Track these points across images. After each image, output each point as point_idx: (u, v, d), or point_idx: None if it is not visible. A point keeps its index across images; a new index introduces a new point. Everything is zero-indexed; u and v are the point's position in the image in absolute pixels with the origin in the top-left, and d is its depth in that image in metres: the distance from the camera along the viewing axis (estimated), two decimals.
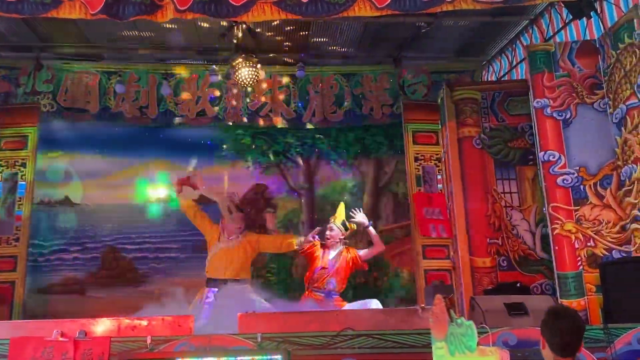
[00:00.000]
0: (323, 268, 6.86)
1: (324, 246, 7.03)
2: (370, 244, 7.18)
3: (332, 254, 6.95)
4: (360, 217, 7.07)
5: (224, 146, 9.34)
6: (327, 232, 7.06)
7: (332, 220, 7.13)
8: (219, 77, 8.57)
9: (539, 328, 2.99)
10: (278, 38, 8.36)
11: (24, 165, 7.90)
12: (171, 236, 8.89)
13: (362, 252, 7.03)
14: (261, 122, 9.19)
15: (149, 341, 4.19)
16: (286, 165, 9.44)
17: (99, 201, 8.92)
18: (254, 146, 9.36)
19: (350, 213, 7.10)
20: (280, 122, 9.18)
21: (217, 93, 9.05)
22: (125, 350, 4.17)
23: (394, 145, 9.29)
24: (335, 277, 6.82)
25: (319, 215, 9.16)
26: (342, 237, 7.04)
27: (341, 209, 7.21)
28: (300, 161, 9.47)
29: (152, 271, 8.77)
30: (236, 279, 6.77)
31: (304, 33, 8.23)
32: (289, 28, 8.10)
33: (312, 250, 6.99)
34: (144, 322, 4.70)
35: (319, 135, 9.42)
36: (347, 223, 7.09)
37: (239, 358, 3.95)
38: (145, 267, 8.79)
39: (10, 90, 8.51)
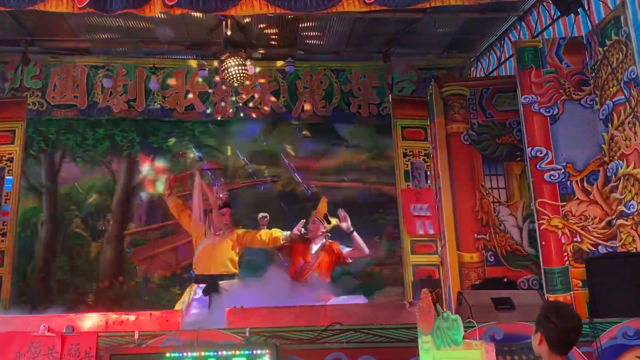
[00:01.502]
0: (305, 262, 6.84)
1: (306, 240, 7.01)
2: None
3: (314, 248, 6.92)
4: (344, 225, 6.99)
5: None
6: (309, 226, 7.01)
7: (314, 213, 7.10)
8: (207, 72, 8.56)
9: (534, 323, 2.98)
10: (267, 32, 8.35)
11: (11, 160, 7.85)
12: None
13: (346, 251, 6.99)
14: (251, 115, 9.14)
15: (136, 336, 4.18)
16: (26, 161, 8.61)
17: None
18: None
19: (338, 213, 7.06)
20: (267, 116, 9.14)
21: (206, 88, 9.01)
22: (113, 345, 4.16)
23: (148, 141, 9.12)
24: (318, 271, 6.79)
25: (61, 214, 8.85)
26: (325, 230, 7.02)
27: (323, 203, 7.20)
28: (43, 157, 9.01)
29: None
30: (224, 274, 6.75)
31: (293, 28, 8.23)
32: (277, 23, 8.09)
33: (295, 244, 6.96)
34: (132, 317, 4.68)
35: (63, 130, 9.02)
36: (329, 217, 7.06)
37: (227, 353, 3.96)
38: None
39: None
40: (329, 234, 7.07)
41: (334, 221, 7.09)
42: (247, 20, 7.77)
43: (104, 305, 7.91)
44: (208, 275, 6.73)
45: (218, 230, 6.91)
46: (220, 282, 6.60)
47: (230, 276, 6.74)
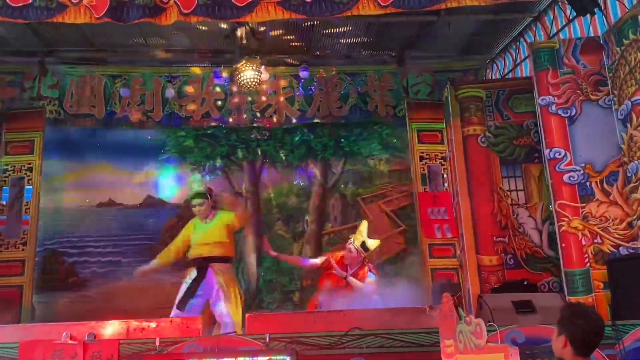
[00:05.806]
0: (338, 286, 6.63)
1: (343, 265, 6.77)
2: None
3: (350, 272, 6.70)
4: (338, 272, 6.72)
5: (166, 148, 9.25)
6: (346, 254, 6.76)
7: (352, 239, 6.81)
8: (223, 79, 8.60)
9: (556, 326, 2.96)
10: (282, 38, 8.37)
11: (30, 169, 7.93)
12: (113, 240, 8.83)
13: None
14: (266, 123, 9.17)
15: (157, 343, 4.20)
16: (230, 168, 9.31)
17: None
18: (196, 149, 9.27)
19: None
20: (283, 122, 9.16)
21: (222, 95, 9.02)
22: (135, 352, 4.19)
23: (340, 145, 9.36)
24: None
25: (267, 218, 9.20)
26: (362, 257, 6.73)
27: (363, 228, 6.89)
28: (245, 163, 9.38)
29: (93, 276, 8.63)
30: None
31: (307, 33, 8.24)
32: (292, 28, 8.11)
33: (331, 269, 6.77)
34: (153, 324, 4.73)
35: (262, 137, 9.35)
36: (366, 243, 6.75)
37: (247, 358, 3.97)
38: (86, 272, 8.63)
39: (15, 95, 8.54)
40: (367, 259, 6.82)
41: (373, 243, 6.88)
42: (263, 27, 7.80)
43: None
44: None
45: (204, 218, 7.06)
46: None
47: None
